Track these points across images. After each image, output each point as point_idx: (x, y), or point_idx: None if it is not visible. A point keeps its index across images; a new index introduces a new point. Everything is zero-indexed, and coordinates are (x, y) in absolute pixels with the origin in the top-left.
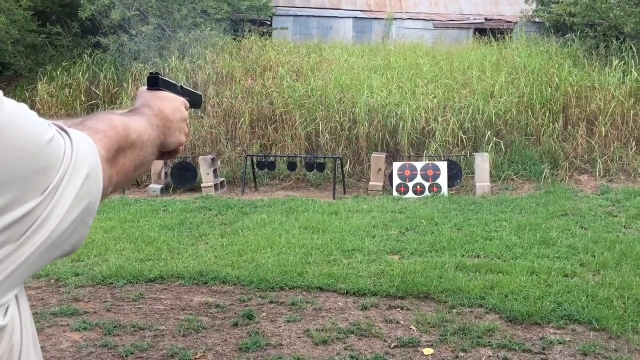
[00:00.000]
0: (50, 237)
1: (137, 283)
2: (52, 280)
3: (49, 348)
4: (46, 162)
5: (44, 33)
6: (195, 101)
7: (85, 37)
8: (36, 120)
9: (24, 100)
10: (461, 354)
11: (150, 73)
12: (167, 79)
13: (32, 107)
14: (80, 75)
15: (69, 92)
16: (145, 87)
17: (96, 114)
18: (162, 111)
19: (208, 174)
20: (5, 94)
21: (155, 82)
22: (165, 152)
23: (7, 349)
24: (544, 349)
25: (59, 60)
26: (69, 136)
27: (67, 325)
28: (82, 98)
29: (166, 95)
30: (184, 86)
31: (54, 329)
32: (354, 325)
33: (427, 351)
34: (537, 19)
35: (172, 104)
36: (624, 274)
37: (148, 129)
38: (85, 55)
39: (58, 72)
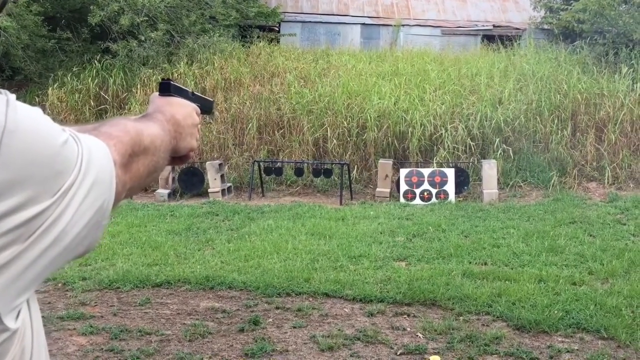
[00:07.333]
0: (60, 239)
1: (143, 288)
2: (59, 285)
3: (55, 352)
4: (60, 165)
5: (54, 38)
6: (206, 107)
7: (95, 42)
8: (50, 124)
9: (33, 105)
10: None
11: (162, 79)
12: (178, 85)
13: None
14: (89, 80)
15: (79, 97)
16: (157, 93)
17: (110, 119)
18: (174, 117)
19: (215, 179)
20: (15, 99)
21: (167, 88)
22: (176, 157)
23: (19, 353)
24: (551, 357)
25: (68, 66)
26: (80, 141)
27: (74, 329)
28: (92, 103)
29: (178, 101)
30: (195, 92)
31: (61, 333)
32: (360, 331)
33: (434, 358)
34: (545, 26)
35: (184, 109)
36: (632, 283)
37: (161, 135)
38: (95, 61)
39: (68, 77)
